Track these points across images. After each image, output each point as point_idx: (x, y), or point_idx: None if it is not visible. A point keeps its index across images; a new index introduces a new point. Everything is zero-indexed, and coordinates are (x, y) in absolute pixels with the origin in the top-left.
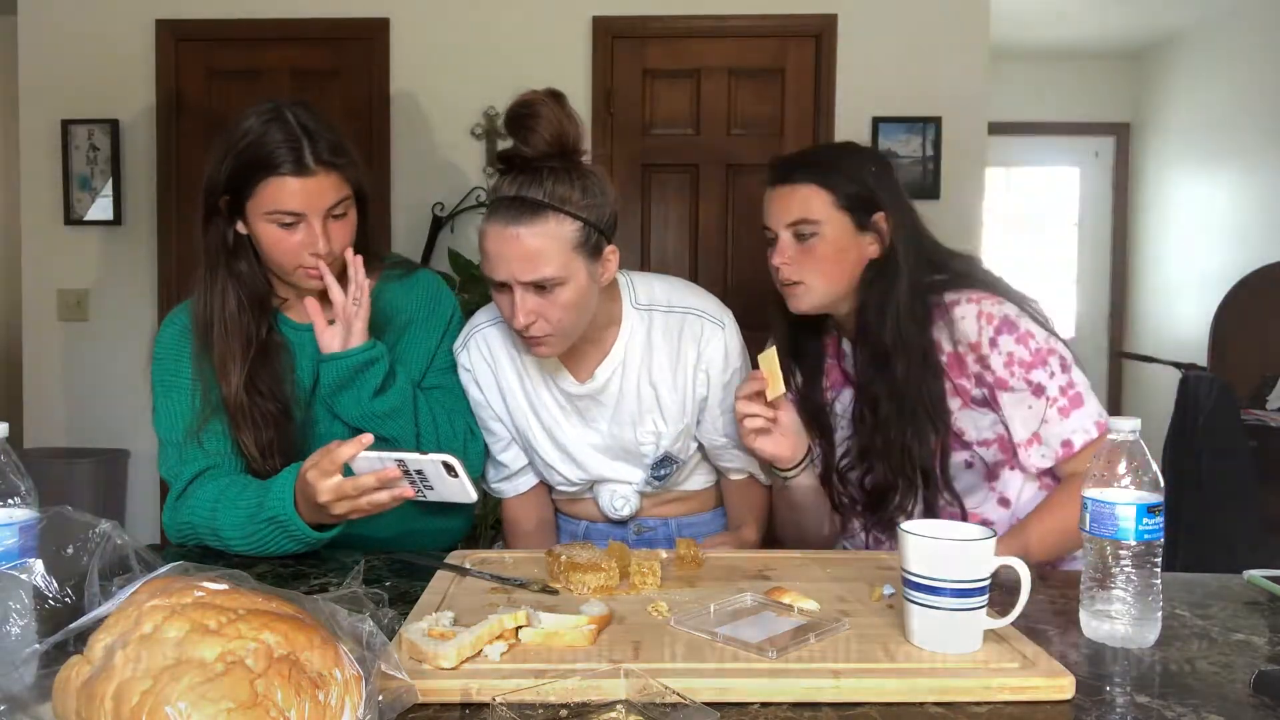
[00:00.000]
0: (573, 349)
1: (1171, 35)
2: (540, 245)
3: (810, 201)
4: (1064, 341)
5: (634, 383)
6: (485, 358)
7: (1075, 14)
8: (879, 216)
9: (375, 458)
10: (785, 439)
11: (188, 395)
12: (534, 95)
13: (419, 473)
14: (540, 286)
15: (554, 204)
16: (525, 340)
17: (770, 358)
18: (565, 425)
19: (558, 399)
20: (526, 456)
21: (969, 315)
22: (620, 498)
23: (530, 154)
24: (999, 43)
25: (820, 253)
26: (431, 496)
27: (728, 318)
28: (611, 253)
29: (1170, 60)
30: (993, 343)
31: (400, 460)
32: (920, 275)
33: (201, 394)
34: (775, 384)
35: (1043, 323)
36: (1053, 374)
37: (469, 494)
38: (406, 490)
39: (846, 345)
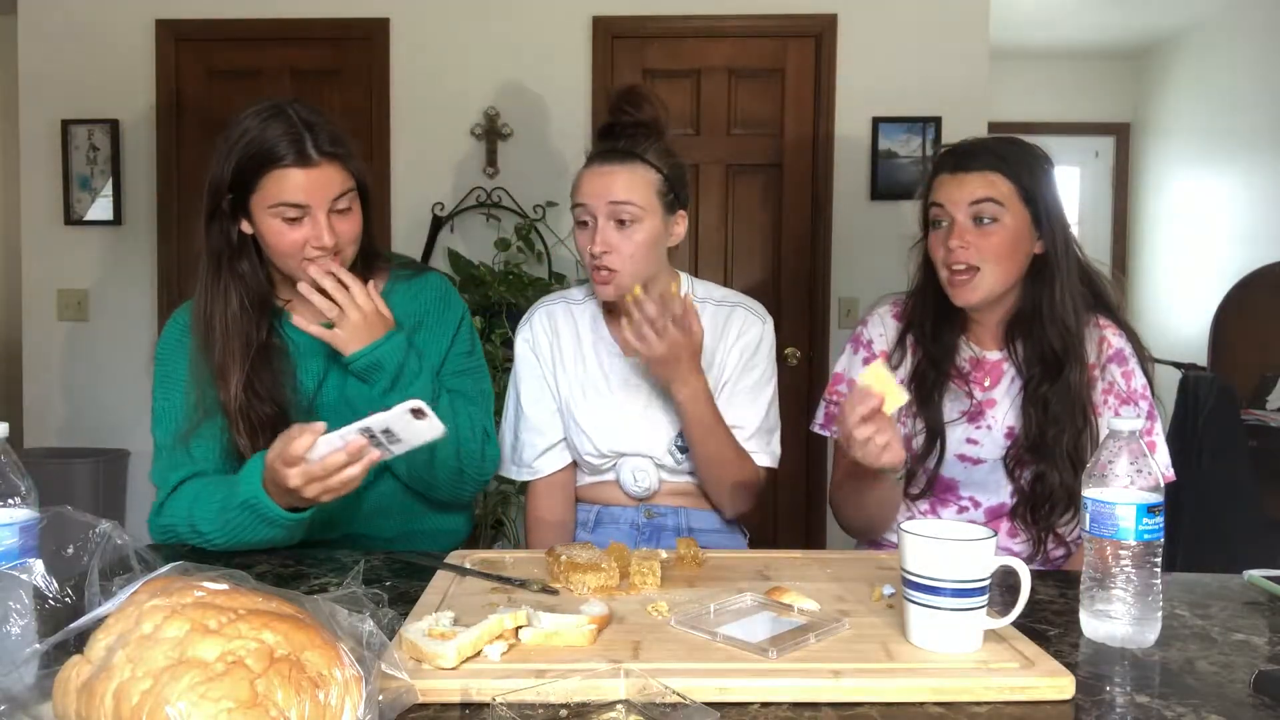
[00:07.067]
0: None
1: (1171, 35)
2: (629, 180)
3: (997, 185)
4: (1153, 398)
5: None
6: (547, 330)
7: (1075, 14)
8: (1047, 217)
9: (335, 437)
10: (899, 443)
11: (182, 397)
12: (641, 84)
13: (385, 432)
14: (620, 221)
15: (644, 156)
16: (594, 274)
17: (879, 372)
18: (607, 395)
19: (606, 372)
20: (563, 428)
21: (1092, 338)
22: (641, 470)
23: (629, 122)
24: (999, 43)
25: (999, 239)
26: (400, 450)
27: (770, 320)
28: (681, 218)
29: (1170, 60)
30: (1103, 368)
31: (365, 428)
32: (1076, 282)
33: (197, 395)
34: (893, 397)
35: (1147, 371)
36: (1137, 416)
37: (437, 428)
38: (373, 454)
39: (974, 349)
